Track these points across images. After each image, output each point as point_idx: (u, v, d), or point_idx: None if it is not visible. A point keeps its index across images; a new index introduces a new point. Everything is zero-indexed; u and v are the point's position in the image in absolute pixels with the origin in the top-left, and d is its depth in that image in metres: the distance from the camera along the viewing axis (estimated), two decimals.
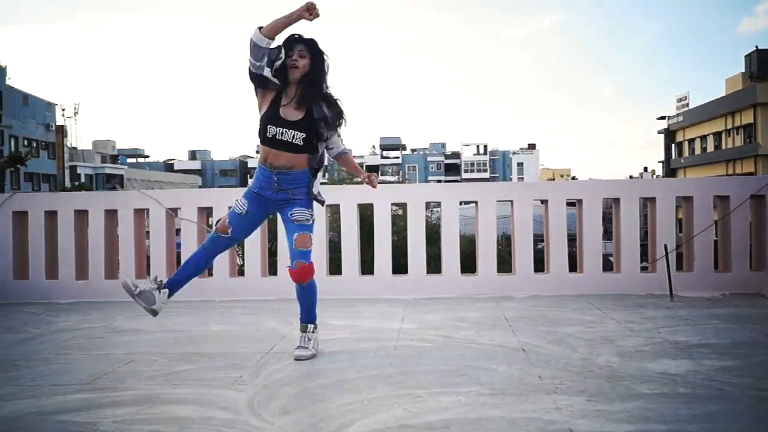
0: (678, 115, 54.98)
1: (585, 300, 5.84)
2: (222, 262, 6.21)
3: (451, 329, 4.77)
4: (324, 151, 4.02)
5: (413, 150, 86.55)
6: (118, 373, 3.75)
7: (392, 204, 6.54)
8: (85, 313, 5.72)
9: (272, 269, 6.63)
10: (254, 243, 6.37)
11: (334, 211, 6.65)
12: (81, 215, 6.66)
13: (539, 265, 6.48)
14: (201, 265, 4.05)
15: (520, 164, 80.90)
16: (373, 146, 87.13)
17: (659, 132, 57.13)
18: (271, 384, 3.46)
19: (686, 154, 53.98)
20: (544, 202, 6.38)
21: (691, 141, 53.19)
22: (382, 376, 3.57)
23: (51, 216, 6.68)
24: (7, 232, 6.61)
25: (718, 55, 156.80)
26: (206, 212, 6.68)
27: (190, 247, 6.29)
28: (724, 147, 47.90)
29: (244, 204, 3.96)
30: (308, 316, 4.01)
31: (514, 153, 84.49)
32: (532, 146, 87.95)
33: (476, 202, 6.40)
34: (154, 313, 3.91)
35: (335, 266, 6.61)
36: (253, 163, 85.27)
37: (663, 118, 56.86)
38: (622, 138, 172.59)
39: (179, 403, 3.20)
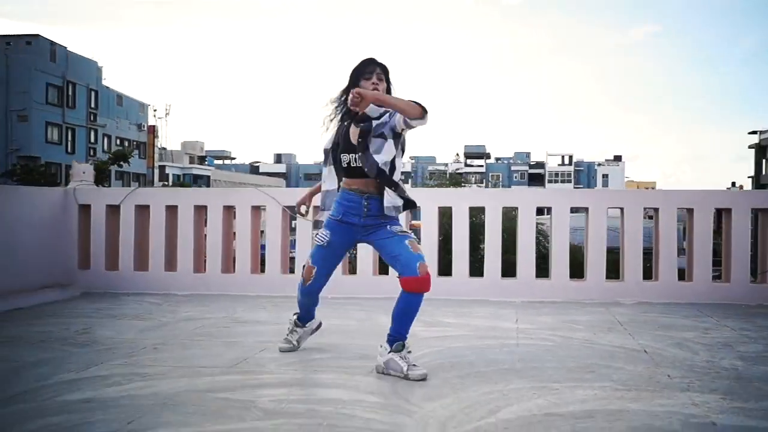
0: None
1: (695, 308, 5.83)
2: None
3: (568, 330, 4.87)
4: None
5: (497, 159, 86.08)
6: (258, 359, 3.95)
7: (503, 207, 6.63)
8: (204, 305, 5.99)
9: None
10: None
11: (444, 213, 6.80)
12: (199, 211, 6.98)
13: (647, 273, 6.49)
14: (313, 303, 4.12)
15: (605, 176, 79.47)
16: (457, 154, 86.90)
17: (750, 147, 55.25)
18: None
19: None
20: (656, 210, 6.38)
21: None
22: (513, 370, 3.70)
23: (171, 211, 7.01)
24: (130, 225, 6.95)
25: None
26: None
27: (304, 244, 6.58)
28: None
29: (326, 235, 3.74)
30: (404, 332, 3.61)
31: (599, 164, 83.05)
32: (617, 158, 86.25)
33: (587, 209, 6.45)
34: (320, 324, 4.31)
35: (445, 267, 6.74)
36: None
37: (754, 132, 54.95)
38: (711, 152, 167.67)
39: (326, 387, 3.41)
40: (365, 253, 6.64)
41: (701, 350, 4.22)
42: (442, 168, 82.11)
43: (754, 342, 4.49)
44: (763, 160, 53.45)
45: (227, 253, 6.94)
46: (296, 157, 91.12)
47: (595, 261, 6.36)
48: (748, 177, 56.65)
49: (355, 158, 3.63)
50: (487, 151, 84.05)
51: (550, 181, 78.34)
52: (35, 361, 3.89)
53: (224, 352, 4.16)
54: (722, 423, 2.81)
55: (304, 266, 3.91)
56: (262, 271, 6.87)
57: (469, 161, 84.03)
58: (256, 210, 6.94)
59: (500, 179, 78.77)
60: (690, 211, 6.37)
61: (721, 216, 6.52)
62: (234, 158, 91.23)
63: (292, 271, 6.83)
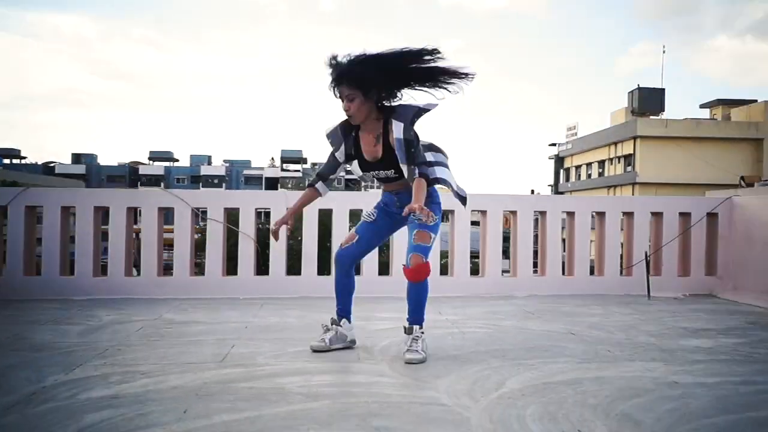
0: (567, 142, 58.35)
1: (580, 298, 6.64)
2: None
3: (494, 319, 5.42)
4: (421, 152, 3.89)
5: (314, 164, 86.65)
6: (240, 354, 4.06)
7: None
8: (117, 309, 5.85)
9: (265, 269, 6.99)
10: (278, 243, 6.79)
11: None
12: (99, 212, 6.82)
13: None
14: (347, 282, 4.15)
15: None
16: (272, 158, 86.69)
17: (550, 158, 60.35)
18: (399, 358, 3.94)
19: (573, 179, 57.26)
20: (543, 213, 7.15)
21: (578, 167, 56.61)
22: (481, 352, 4.17)
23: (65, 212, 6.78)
24: (19, 228, 6.64)
25: (605, 89, 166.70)
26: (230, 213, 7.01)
27: (215, 243, 6.68)
28: (607, 174, 51.27)
29: (374, 213, 4.11)
30: (416, 317, 3.89)
31: None
32: None
33: (485, 212, 7.08)
34: (354, 342, 4.22)
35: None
36: (144, 170, 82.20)
37: (554, 144, 60.17)
38: (513, 161, 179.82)
39: (336, 372, 3.67)
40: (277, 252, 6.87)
41: (616, 331, 4.92)
42: (258, 172, 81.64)
43: (648, 323, 5.28)
44: (561, 170, 58.62)
45: (128, 256, 6.83)
46: (97, 158, 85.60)
47: (493, 259, 7.02)
48: (548, 185, 61.85)
49: (376, 172, 3.93)
50: (304, 156, 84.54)
51: (365, 187, 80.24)
52: (8, 365, 3.78)
53: (197, 350, 4.21)
54: (682, 381, 3.44)
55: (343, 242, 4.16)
56: (170, 273, 6.85)
57: (285, 166, 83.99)
58: (161, 212, 6.89)
59: None
60: (571, 214, 7.21)
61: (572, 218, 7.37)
62: (25, 157, 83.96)
63: (201, 273, 6.89)
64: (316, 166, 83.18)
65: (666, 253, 7.22)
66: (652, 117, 49.22)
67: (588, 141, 54.45)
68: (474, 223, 7.16)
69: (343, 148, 3.96)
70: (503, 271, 7.16)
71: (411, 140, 3.75)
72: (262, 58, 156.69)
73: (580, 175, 56.80)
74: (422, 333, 3.89)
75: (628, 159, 48.41)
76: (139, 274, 6.79)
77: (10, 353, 4.12)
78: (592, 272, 7.28)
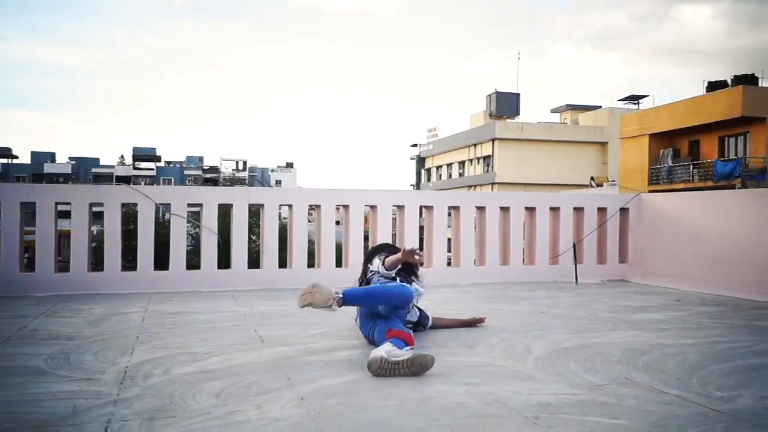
0: (428, 143, 60.46)
1: (518, 285, 7.43)
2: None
3: (462, 303, 6.08)
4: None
5: (168, 162, 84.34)
6: (274, 336, 4.43)
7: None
8: (94, 303, 5.98)
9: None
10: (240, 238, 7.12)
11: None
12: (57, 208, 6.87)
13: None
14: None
15: (278, 182, 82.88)
16: (122, 156, 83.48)
17: (411, 158, 62.25)
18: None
19: (434, 178, 59.41)
20: (482, 209, 7.90)
21: (439, 167, 58.85)
22: (481, 327, 4.79)
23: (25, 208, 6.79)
24: None
25: (464, 92, 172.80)
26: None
27: (178, 240, 6.92)
28: (467, 174, 53.66)
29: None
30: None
31: (272, 170, 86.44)
32: (290, 164, 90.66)
33: (431, 207, 7.73)
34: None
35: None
36: None
37: (415, 145, 62.13)
38: (376, 161, 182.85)
39: (366, 346, 4.16)
40: (239, 246, 7.18)
41: (575, 309, 5.70)
42: (108, 171, 78.45)
43: (595, 303, 6.11)
44: (423, 170, 60.65)
45: (90, 251, 6.92)
46: None
47: (440, 251, 7.69)
48: (410, 185, 63.71)
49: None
50: (157, 154, 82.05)
51: (225, 186, 79.36)
52: (60, 351, 3.97)
53: (226, 334, 4.54)
54: (667, 343, 4.21)
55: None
56: (134, 268, 6.99)
57: (137, 164, 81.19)
58: (127, 207, 7.03)
59: (173, 183, 77.58)
60: (506, 209, 8.00)
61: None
62: None
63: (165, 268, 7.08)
64: (172, 164, 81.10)
65: (586, 244, 8.17)
66: (508, 120, 52.06)
67: (448, 142, 56.76)
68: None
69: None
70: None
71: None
72: (111, 52, 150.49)
73: (441, 175, 59.08)
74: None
75: (487, 160, 50.93)
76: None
77: (44, 342, 4.25)
78: (523, 261, 8.11)
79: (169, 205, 7.00)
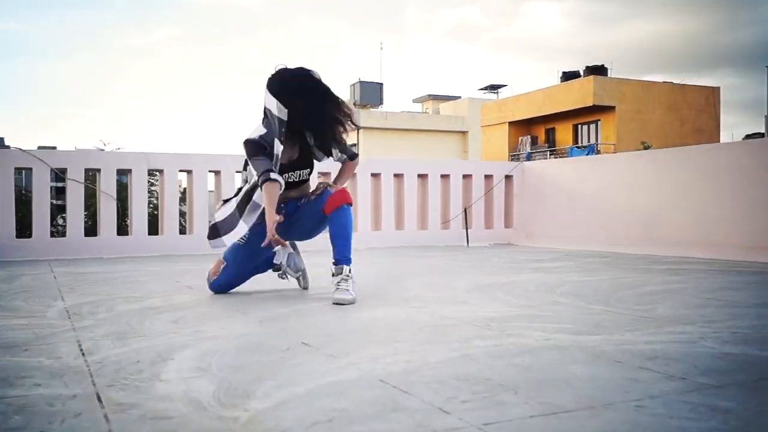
0: None
1: (413, 249, 7.75)
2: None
3: (367, 264, 6.30)
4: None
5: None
6: (196, 286, 4.51)
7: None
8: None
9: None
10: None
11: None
12: None
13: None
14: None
15: None
16: None
17: None
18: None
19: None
20: (377, 176, 8.14)
21: None
22: (397, 288, 5.04)
23: None
24: None
25: (329, 80, 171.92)
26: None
27: (75, 206, 6.72)
28: None
29: (245, 236, 3.78)
30: (344, 255, 3.66)
31: None
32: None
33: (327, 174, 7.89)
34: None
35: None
36: None
37: None
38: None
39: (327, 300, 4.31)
40: (139, 212, 7.06)
41: (476, 263, 6.07)
42: None
43: (493, 258, 6.52)
44: None
45: None
46: None
47: None
48: None
49: (288, 176, 3.74)
50: (7, 145, 77.03)
51: None
52: (47, 336, 3.88)
53: (144, 286, 4.53)
54: (574, 280, 4.62)
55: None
56: (29, 236, 6.73)
57: None
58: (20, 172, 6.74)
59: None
60: (399, 176, 8.30)
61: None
62: None
63: (62, 234, 6.85)
64: None
65: (474, 210, 8.62)
66: (372, 109, 52.78)
67: None
68: None
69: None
70: None
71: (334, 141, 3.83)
72: None
73: None
74: (351, 274, 3.61)
75: (353, 148, 51.37)
76: None
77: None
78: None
79: (65, 169, 6.78)
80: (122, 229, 7.14)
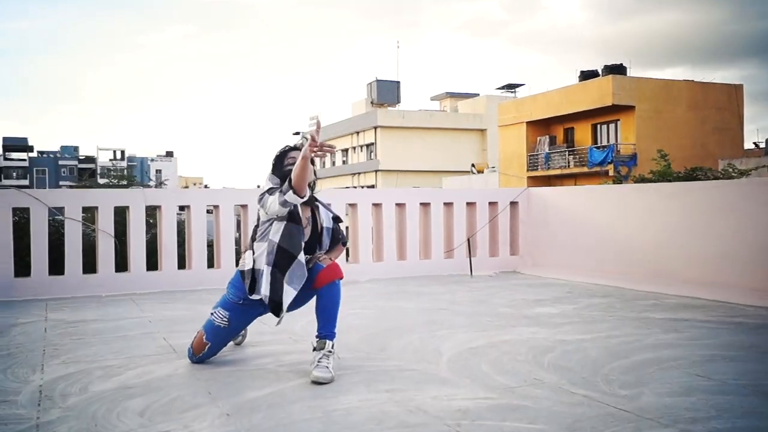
0: (310, 131, 60.18)
1: (415, 280, 7.65)
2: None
3: (365, 301, 6.22)
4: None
5: (41, 153, 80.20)
6: (180, 347, 4.43)
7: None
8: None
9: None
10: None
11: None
12: None
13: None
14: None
15: (158, 171, 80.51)
16: None
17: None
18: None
19: (318, 166, 59.15)
20: (378, 206, 8.06)
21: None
22: (390, 328, 4.95)
23: None
24: None
25: (344, 80, 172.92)
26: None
27: (74, 245, 6.71)
28: (351, 162, 53.93)
29: (225, 317, 3.84)
30: (329, 330, 3.63)
31: (152, 160, 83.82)
32: (170, 153, 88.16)
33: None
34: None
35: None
36: None
37: (297, 133, 61.69)
38: (258, 150, 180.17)
39: (296, 353, 4.23)
40: (137, 249, 7.03)
41: (474, 305, 5.95)
42: None
43: (493, 297, 6.39)
44: None
45: None
46: None
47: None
48: None
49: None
50: (30, 144, 77.96)
51: (102, 176, 76.37)
52: None
53: (137, 343, 4.49)
54: (568, 339, 4.50)
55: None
56: (28, 275, 6.72)
57: (8, 154, 76.91)
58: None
59: (47, 174, 74.01)
60: (402, 205, 8.20)
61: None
62: None
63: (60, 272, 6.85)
64: (45, 155, 77.06)
65: (479, 238, 8.49)
66: (389, 108, 52.67)
67: (331, 130, 56.76)
68: None
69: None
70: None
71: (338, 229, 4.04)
72: None
73: (324, 163, 59.02)
74: (333, 350, 3.59)
75: (370, 147, 51.38)
76: None
77: None
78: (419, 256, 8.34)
79: (63, 208, 6.77)
80: (121, 264, 7.08)
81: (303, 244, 3.71)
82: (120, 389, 3.41)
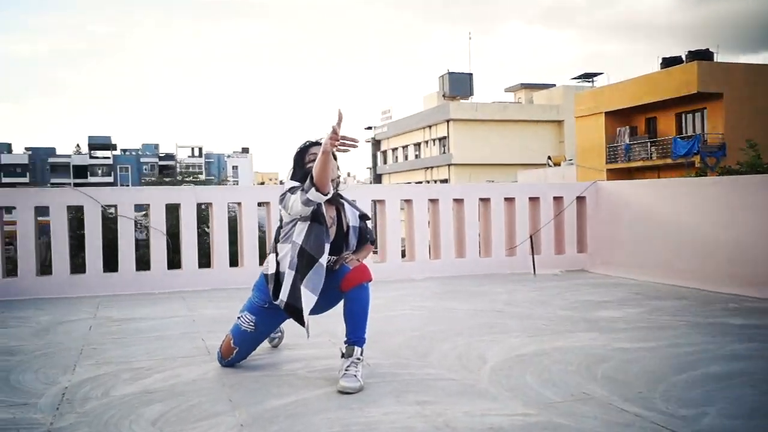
0: (383, 126, 60.21)
1: (474, 278, 7.34)
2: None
3: (417, 301, 5.97)
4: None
5: (125, 150, 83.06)
6: (215, 348, 4.24)
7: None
8: (41, 310, 5.79)
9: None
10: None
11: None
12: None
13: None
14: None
15: (235, 167, 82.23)
16: (78, 145, 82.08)
17: (366, 141, 61.98)
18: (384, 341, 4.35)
19: (390, 161, 59.25)
20: (435, 201, 7.78)
21: (395, 150, 58.68)
22: (436, 330, 4.68)
23: None
24: None
25: (416, 73, 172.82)
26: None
27: (127, 242, 6.70)
28: (423, 156, 53.62)
29: (251, 321, 3.71)
30: (358, 336, 3.42)
31: (228, 156, 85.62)
32: (245, 150, 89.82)
33: (382, 201, 7.60)
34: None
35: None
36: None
37: (370, 128, 61.84)
38: None
39: (329, 358, 4.01)
40: (189, 246, 6.97)
41: (533, 306, 5.61)
42: (65, 160, 77.16)
43: (554, 298, 6.03)
44: (378, 153, 60.46)
45: (38, 255, 6.68)
46: None
47: (393, 245, 7.56)
48: (367, 168, 63.56)
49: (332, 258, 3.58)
50: (113, 142, 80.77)
51: (181, 172, 78.45)
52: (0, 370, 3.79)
53: (172, 344, 4.39)
54: (627, 347, 4.13)
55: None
56: (83, 271, 6.75)
57: (93, 152, 79.91)
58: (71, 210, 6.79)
59: (129, 171, 76.49)
60: (460, 201, 7.89)
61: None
62: None
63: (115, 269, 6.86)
64: (128, 152, 79.74)
65: (543, 234, 8.11)
66: (462, 101, 52.03)
67: (403, 124, 56.59)
68: None
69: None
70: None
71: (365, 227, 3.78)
72: (62, 41, 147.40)
73: (397, 158, 58.94)
74: (362, 357, 3.40)
75: (443, 141, 50.92)
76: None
77: None
78: (479, 253, 8.01)
79: (116, 206, 6.76)
80: (174, 262, 7.05)
81: (328, 246, 3.47)
82: (142, 394, 3.30)
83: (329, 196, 3.37)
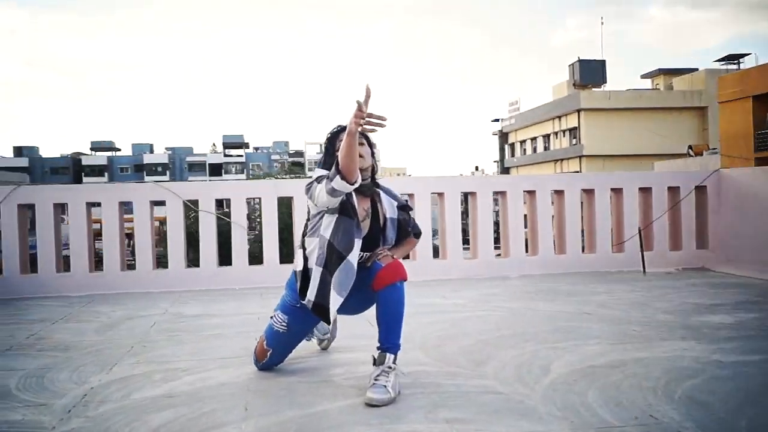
0: (510, 118, 58.93)
1: (574, 277, 6.75)
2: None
3: (499, 301, 5.50)
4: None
5: (256, 148, 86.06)
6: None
7: None
8: (120, 305, 5.79)
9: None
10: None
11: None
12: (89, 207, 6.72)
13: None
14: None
15: None
16: (214, 144, 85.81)
17: (493, 134, 60.93)
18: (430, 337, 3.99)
19: (518, 154, 57.92)
20: (532, 193, 7.23)
21: (523, 142, 57.28)
22: (507, 335, 4.21)
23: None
24: (13, 227, 6.49)
25: (544, 62, 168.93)
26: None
27: (209, 234, 6.62)
28: (552, 148, 51.94)
29: (284, 320, 3.43)
30: (392, 342, 3.06)
31: None
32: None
33: (473, 194, 7.14)
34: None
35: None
36: (86, 161, 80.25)
37: (497, 120, 60.74)
38: (457, 138, 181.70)
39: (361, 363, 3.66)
40: (270, 241, 6.80)
41: (629, 309, 5.00)
42: (201, 159, 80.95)
43: (657, 300, 5.39)
44: (506, 146, 59.29)
45: (123, 251, 6.72)
46: (39, 150, 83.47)
47: (484, 240, 7.08)
48: (494, 161, 62.50)
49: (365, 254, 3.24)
50: (245, 141, 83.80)
51: (310, 169, 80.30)
52: (42, 367, 3.70)
53: (223, 343, 4.20)
54: (725, 360, 3.50)
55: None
56: (165, 266, 6.74)
57: (227, 151, 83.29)
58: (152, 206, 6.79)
59: (261, 169, 79.03)
60: (560, 192, 7.29)
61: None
62: None
63: (196, 264, 6.80)
64: (259, 150, 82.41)
65: (656, 228, 7.37)
66: (594, 89, 49.90)
67: (531, 115, 55.03)
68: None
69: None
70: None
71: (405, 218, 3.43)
72: (196, 43, 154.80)
73: (525, 150, 57.47)
74: (395, 365, 3.04)
75: (573, 132, 49.09)
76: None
77: (39, 354, 4.05)
78: (582, 249, 7.39)
79: (197, 201, 6.69)
80: (256, 258, 6.91)
81: (358, 242, 3.11)
82: (161, 398, 3.10)
83: (356, 185, 3.01)
